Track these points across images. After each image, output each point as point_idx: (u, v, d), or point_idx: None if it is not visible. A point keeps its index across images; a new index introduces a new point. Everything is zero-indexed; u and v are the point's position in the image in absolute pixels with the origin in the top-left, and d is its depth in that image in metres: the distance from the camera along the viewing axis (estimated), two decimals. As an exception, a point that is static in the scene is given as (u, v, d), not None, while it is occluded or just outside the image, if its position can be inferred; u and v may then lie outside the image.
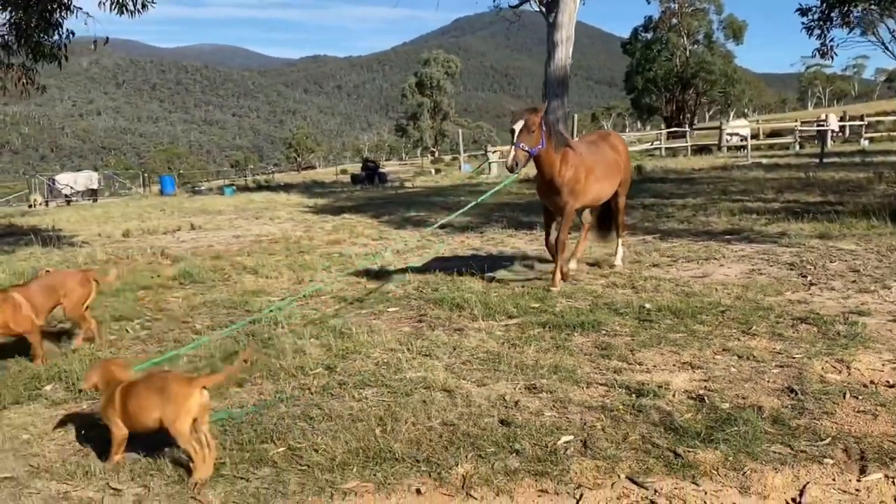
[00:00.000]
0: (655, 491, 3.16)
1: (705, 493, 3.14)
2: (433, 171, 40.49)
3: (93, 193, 35.78)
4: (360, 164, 37.86)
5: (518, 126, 6.38)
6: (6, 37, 10.84)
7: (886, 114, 41.39)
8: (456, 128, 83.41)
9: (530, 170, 7.55)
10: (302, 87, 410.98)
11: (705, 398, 4.04)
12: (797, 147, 32.33)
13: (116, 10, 9.27)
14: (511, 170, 6.47)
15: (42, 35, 10.72)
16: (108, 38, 9.82)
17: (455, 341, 5.37)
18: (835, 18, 16.56)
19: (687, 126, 53.06)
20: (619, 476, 3.30)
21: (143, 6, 9.26)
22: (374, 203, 19.31)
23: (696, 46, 63.79)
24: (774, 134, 40.44)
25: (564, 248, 7.09)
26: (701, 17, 62.73)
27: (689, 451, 3.44)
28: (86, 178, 35.79)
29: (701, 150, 33.29)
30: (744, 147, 33.46)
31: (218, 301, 7.40)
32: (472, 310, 6.16)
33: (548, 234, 7.33)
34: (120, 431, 3.63)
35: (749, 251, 8.32)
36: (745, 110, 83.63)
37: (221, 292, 7.85)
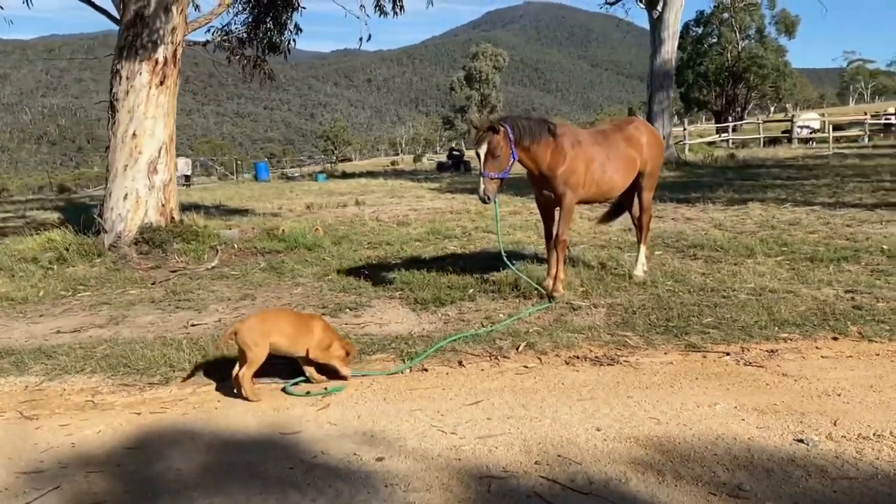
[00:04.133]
0: None
1: None
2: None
3: (186, 179, 37.98)
4: (447, 153, 39.79)
5: (482, 151, 5.87)
6: (243, 34, 12.71)
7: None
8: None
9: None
10: (332, 80, 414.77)
11: None
12: (866, 139, 33.48)
13: (378, 12, 11.06)
14: (484, 201, 5.96)
15: (275, 32, 12.57)
16: (370, 34, 11.62)
17: (747, 269, 7.05)
18: None
19: (732, 120, 54.15)
20: (967, 333, 4.97)
21: (401, 9, 11.01)
22: (494, 185, 20.89)
23: (747, 41, 64.91)
24: (836, 127, 41.61)
25: (565, 247, 6.50)
26: (754, 11, 63.71)
27: None
28: (183, 164, 38.02)
29: (772, 141, 34.57)
30: (812, 139, 34.76)
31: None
32: (738, 252, 7.86)
33: (548, 238, 6.66)
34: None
35: (919, 216, 9.90)
36: (786, 105, 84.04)
37: (484, 244, 9.57)
